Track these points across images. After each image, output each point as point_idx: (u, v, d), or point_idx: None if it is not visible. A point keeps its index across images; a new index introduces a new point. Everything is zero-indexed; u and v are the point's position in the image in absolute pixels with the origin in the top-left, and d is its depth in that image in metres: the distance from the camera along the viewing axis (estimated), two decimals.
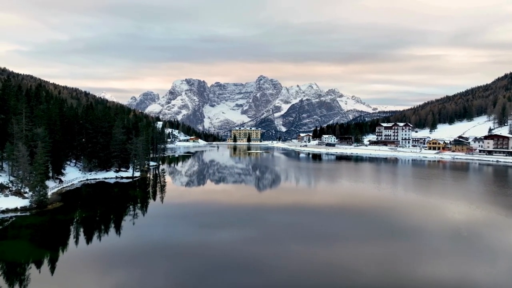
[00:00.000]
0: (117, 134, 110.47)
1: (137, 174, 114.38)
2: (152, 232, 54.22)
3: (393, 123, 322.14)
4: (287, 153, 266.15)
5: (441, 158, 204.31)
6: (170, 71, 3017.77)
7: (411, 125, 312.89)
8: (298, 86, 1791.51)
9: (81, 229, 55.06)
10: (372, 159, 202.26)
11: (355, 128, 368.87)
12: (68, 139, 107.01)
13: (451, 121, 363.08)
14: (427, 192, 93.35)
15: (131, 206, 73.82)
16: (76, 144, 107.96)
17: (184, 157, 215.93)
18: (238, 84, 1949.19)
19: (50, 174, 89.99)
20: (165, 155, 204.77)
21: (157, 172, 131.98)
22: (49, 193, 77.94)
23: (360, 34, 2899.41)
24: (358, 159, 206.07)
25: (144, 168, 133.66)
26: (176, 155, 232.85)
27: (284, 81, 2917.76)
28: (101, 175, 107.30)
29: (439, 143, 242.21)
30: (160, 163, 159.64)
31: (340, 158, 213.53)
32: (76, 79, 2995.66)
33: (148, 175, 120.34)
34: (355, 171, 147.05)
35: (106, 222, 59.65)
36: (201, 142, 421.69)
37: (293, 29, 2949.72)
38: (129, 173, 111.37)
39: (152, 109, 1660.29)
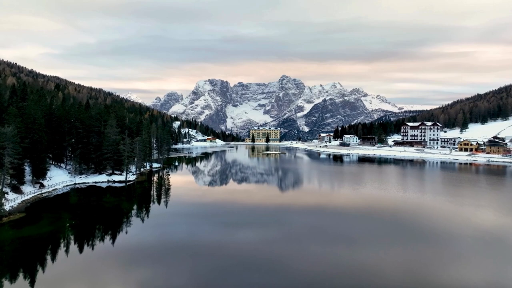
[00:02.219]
0: (110, 134, 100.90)
1: (133, 177, 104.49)
2: (125, 252, 43.28)
3: (420, 123, 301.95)
4: (306, 154, 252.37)
5: (474, 160, 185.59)
6: (193, 71, 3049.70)
7: (439, 125, 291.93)
8: (321, 85, 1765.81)
9: (28, 252, 44.68)
10: (396, 161, 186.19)
11: (378, 128, 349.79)
12: (57, 139, 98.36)
13: (483, 120, 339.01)
14: (459, 200, 78.62)
15: (107, 218, 63.23)
16: (66, 145, 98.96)
17: (196, 158, 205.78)
18: (260, 84, 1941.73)
19: (29, 178, 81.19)
20: (171, 156, 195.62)
21: (160, 174, 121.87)
22: (18, 200, 68.78)
23: (384, 32, 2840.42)
24: (381, 161, 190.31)
25: (145, 171, 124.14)
26: (194, 155, 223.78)
27: (307, 80, 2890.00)
28: (91, 179, 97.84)
29: (471, 144, 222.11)
30: (167, 164, 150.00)
31: (363, 160, 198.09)
32: (103, 80, 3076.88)
33: (146, 179, 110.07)
34: (378, 175, 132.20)
35: (62, 241, 48.98)
36: (219, 142, 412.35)
37: (315, 28, 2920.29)
38: (123, 177, 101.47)
39: (176, 109, 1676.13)
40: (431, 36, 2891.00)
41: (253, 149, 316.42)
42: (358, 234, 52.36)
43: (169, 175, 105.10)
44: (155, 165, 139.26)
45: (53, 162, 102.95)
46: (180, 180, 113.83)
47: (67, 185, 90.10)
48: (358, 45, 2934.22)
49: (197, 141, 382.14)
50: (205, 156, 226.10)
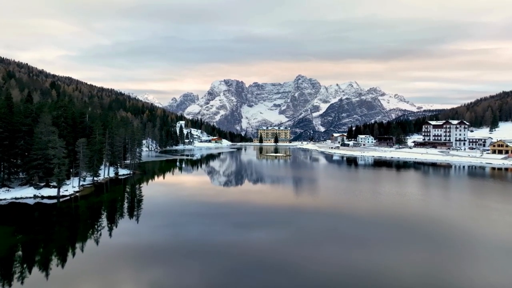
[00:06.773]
0: (41, 134, 77.56)
1: (73, 190, 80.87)
2: None
3: (444, 121, 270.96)
4: (313, 156, 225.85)
5: (511, 165, 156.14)
6: (208, 72, 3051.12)
7: (467, 123, 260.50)
8: (337, 85, 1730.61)
9: None
10: (418, 165, 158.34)
11: (396, 127, 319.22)
12: None
13: None
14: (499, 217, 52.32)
15: None
16: None
17: (182, 161, 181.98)
18: (276, 84, 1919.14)
19: None
20: (143, 161, 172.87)
21: (123, 184, 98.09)
22: None
23: (401, 29, 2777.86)
24: (400, 165, 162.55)
25: (103, 180, 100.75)
26: (197, 157, 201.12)
27: (323, 80, 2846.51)
28: (13, 194, 74.55)
29: (507, 145, 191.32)
30: (143, 170, 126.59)
31: (379, 163, 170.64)
32: (120, 82, 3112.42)
33: (95, 191, 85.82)
34: (399, 188, 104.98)
35: None
36: (225, 142, 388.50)
37: (329, 26, 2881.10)
38: (61, 190, 77.58)
39: (192, 109, 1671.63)
40: (449, 33, 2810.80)
41: (260, 150, 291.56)
42: (374, 238, 48.57)
43: (137, 184, 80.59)
44: (122, 171, 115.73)
45: None
46: (146, 191, 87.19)
47: None
48: (374, 44, 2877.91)
49: (201, 141, 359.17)
50: (200, 159, 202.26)
